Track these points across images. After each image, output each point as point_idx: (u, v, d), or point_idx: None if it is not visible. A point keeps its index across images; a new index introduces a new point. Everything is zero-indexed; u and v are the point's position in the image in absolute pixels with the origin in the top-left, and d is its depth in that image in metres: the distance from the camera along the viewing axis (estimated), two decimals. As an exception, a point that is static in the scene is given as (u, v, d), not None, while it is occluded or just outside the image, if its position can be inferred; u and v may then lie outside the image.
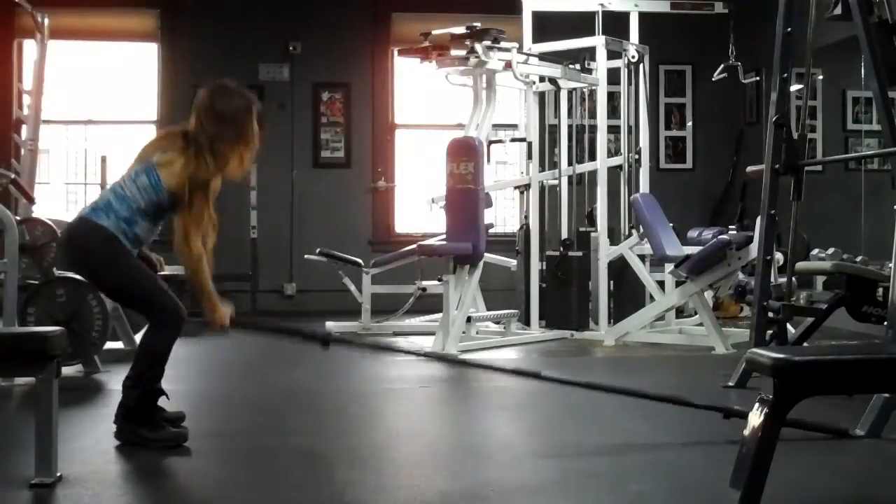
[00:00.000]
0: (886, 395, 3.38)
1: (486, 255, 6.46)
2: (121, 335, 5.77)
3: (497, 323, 7.01)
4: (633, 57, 7.17)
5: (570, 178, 7.37)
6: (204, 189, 3.31)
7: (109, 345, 5.32)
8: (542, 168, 7.37)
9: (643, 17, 7.36)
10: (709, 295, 6.52)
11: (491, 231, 7.13)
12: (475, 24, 6.35)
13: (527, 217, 7.19)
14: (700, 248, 6.49)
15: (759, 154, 5.00)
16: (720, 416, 4.04)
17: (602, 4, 7.22)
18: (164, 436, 3.32)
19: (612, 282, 6.85)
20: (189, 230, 3.29)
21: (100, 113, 8.99)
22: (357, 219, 8.93)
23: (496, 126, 7.23)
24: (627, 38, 7.23)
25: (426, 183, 8.16)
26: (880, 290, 4.25)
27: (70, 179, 9.45)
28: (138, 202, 3.35)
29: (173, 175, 3.31)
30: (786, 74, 4.52)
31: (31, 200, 6.00)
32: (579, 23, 7.30)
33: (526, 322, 7.02)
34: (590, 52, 6.98)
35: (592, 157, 7.28)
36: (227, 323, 3.43)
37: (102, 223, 3.32)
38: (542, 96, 7.36)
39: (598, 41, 6.93)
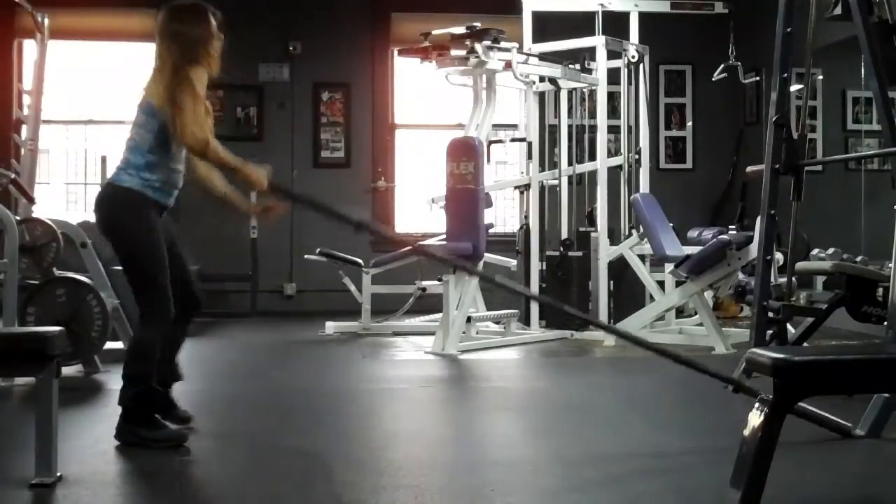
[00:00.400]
0: (886, 395, 3.37)
1: (486, 255, 6.46)
2: (121, 335, 5.76)
3: (497, 323, 7.01)
4: (633, 57, 7.17)
5: (570, 178, 7.37)
6: (188, 84, 3.29)
7: (109, 345, 5.31)
8: (542, 168, 7.37)
9: (643, 17, 7.35)
10: (709, 295, 6.52)
11: (491, 231, 7.13)
12: (475, 24, 6.35)
13: (527, 217, 7.19)
14: (700, 248, 6.49)
15: (759, 154, 5.00)
16: (720, 416, 4.05)
17: (602, 4, 7.22)
18: (162, 435, 3.31)
19: (612, 282, 6.85)
20: (187, 124, 3.23)
21: (100, 113, 8.99)
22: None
23: (496, 126, 7.23)
24: (627, 38, 7.23)
25: (426, 183, 8.16)
26: (880, 290, 4.25)
27: (70, 179, 9.45)
28: (148, 141, 3.33)
29: (159, 94, 3.32)
30: (786, 74, 4.52)
31: (31, 200, 5.99)
32: (579, 23, 7.30)
33: (526, 322, 7.02)
34: (590, 52, 6.98)
35: (592, 157, 7.28)
36: (265, 186, 3.38)
37: (125, 184, 3.32)
38: (542, 96, 7.36)
39: (598, 41, 6.93)
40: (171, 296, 3.37)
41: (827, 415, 3.47)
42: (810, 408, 3.36)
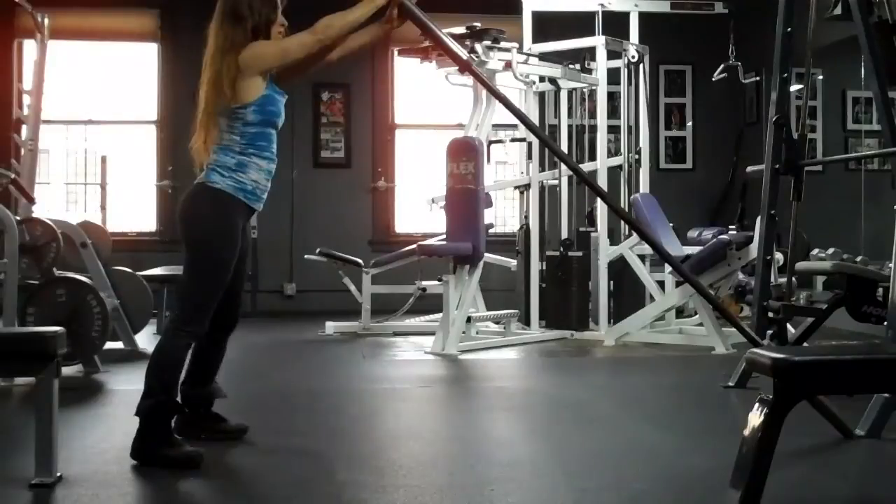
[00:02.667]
0: (886, 395, 3.37)
1: (486, 255, 6.46)
2: (121, 335, 5.77)
3: (497, 323, 7.01)
4: (633, 57, 7.17)
5: (570, 178, 7.37)
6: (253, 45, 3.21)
7: (109, 345, 5.32)
8: (542, 168, 7.37)
9: (643, 17, 7.36)
10: (709, 295, 6.51)
11: (491, 231, 7.13)
12: (475, 24, 6.35)
13: (527, 217, 7.19)
14: (700, 248, 6.49)
15: (759, 154, 5.00)
16: (720, 416, 4.05)
17: (602, 4, 7.22)
18: (176, 455, 3.08)
19: (612, 282, 6.86)
20: (290, 48, 3.21)
21: (100, 113, 8.99)
22: (357, 219, 8.93)
23: (496, 126, 7.23)
24: (627, 38, 7.23)
25: (426, 183, 8.16)
26: (880, 290, 4.25)
27: (70, 179, 9.45)
28: (235, 140, 3.21)
29: (232, 82, 3.18)
30: (786, 74, 4.52)
31: (31, 200, 6.00)
32: (579, 23, 7.30)
33: (526, 322, 7.01)
34: (590, 52, 6.98)
35: (592, 157, 7.28)
36: None
37: (216, 184, 3.18)
38: (542, 96, 7.36)
39: (598, 41, 6.93)
40: (209, 317, 3.20)
41: (834, 413, 3.47)
42: (819, 402, 3.35)
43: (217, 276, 3.21)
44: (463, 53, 3.25)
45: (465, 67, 3.47)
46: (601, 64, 6.91)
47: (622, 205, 7.19)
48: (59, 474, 2.88)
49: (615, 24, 7.28)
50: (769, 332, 4.51)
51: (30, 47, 8.03)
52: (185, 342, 3.22)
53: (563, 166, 7.33)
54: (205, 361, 3.50)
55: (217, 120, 3.22)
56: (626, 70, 7.22)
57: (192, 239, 3.23)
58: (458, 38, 6.29)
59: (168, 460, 3.05)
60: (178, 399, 3.26)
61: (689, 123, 9.42)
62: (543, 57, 6.91)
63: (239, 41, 3.23)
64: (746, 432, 2.37)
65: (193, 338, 3.23)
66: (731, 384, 4.57)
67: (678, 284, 6.64)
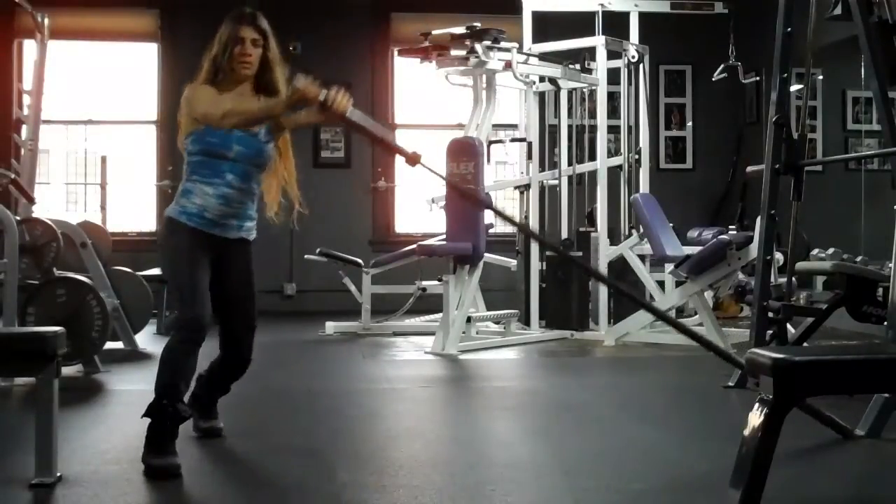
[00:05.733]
0: (886, 395, 3.37)
1: (486, 255, 6.46)
2: (121, 335, 5.77)
3: (497, 323, 7.01)
4: (633, 57, 7.17)
5: (570, 178, 7.37)
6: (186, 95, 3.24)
7: (109, 345, 5.32)
8: (542, 168, 7.37)
9: (643, 17, 7.36)
10: (709, 295, 6.51)
11: (491, 231, 7.13)
12: (475, 24, 6.35)
13: (527, 217, 7.19)
14: (700, 248, 6.49)
15: (759, 154, 4.99)
16: (720, 417, 4.05)
17: (602, 4, 7.22)
18: (157, 463, 3.01)
19: (612, 282, 6.85)
20: (194, 109, 3.19)
21: (100, 113, 8.99)
22: (357, 219, 8.93)
23: (496, 126, 7.24)
24: (627, 38, 7.23)
25: (426, 183, 8.16)
26: (880, 290, 4.25)
27: (70, 179, 9.46)
28: (186, 167, 3.28)
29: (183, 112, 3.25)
30: (786, 74, 4.52)
31: (31, 200, 6.00)
32: (579, 23, 7.30)
33: (526, 322, 7.01)
34: (590, 52, 6.98)
35: (592, 157, 7.28)
36: (310, 89, 3.08)
37: (167, 213, 3.29)
38: (542, 96, 7.36)
39: (598, 41, 6.93)
40: (195, 305, 3.15)
41: (831, 417, 3.47)
42: (815, 409, 3.36)
43: (182, 284, 3.21)
44: (406, 150, 3.23)
45: (412, 162, 3.42)
46: (601, 64, 6.91)
47: (622, 205, 7.20)
48: (59, 474, 2.88)
49: (615, 24, 7.28)
50: (769, 332, 4.51)
51: (30, 47, 8.04)
52: (178, 340, 3.16)
53: (564, 166, 7.35)
54: (208, 392, 3.51)
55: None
56: (626, 70, 7.22)
57: (160, 256, 3.55)
58: (458, 38, 6.31)
59: (147, 468, 3.01)
60: (183, 407, 3.17)
61: (689, 123, 9.42)
62: (543, 57, 6.91)
63: (201, 72, 3.29)
64: (746, 432, 2.36)
65: (189, 336, 3.15)
66: (731, 384, 4.58)
67: (678, 284, 6.65)
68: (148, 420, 3.10)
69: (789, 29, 4.50)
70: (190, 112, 3.22)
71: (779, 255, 5.70)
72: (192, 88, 3.25)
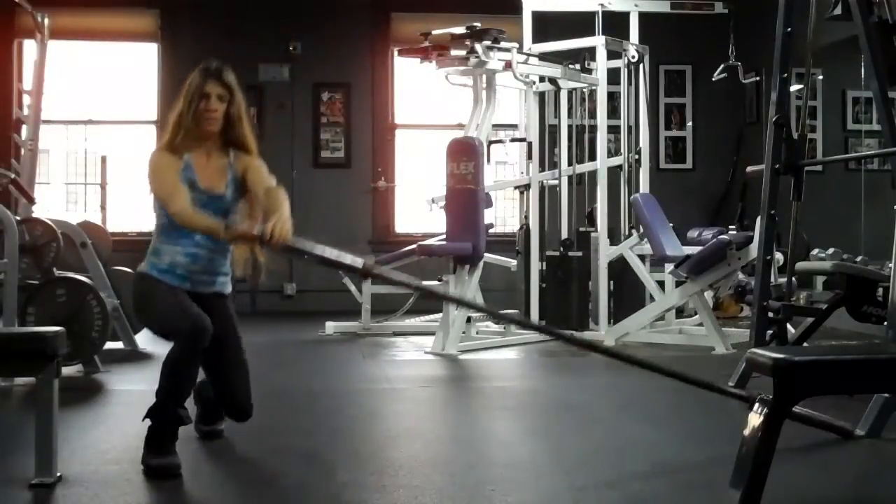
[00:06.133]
0: (886, 395, 3.37)
1: (486, 255, 6.46)
2: (121, 335, 5.78)
3: (497, 323, 7.01)
4: (633, 57, 7.17)
5: (570, 178, 7.37)
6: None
7: (109, 345, 5.32)
8: (542, 168, 7.37)
9: (643, 17, 7.36)
10: (709, 295, 6.52)
11: (491, 231, 7.13)
12: (475, 24, 6.35)
13: (527, 217, 7.19)
14: (700, 248, 6.49)
15: (759, 154, 4.99)
16: (719, 417, 4.04)
17: (602, 4, 7.22)
18: (156, 463, 3.02)
19: (612, 282, 6.85)
20: (166, 200, 3.22)
21: (100, 113, 8.99)
22: (357, 219, 8.94)
23: (496, 126, 7.24)
24: (627, 38, 7.23)
25: (426, 183, 8.16)
26: (880, 290, 4.25)
27: (70, 179, 9.46)
28: (156, 227, 3.33)
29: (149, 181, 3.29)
30: (786, 74, 4.52)
31: (31, 200, 6.00)
32: (579, 23, 7.30)
33: (526, 322, 7.01)
34: (590, 52, 6.98)
35: (592, 157, 7.28)
36: (247, 232, 3.11)
37: (140, 268, 3.32)
38: (542, 96, 7.36)
39: (598, 41, 6.93)
40: (188, 313, 3.14)
41: (826, 417, 3.47)
42: (810, 412, 3.35)
43: (158, 309, 3.23)
44: (356, 262, 3.23)
45: (364, 275, 3.40)
46: (601, 64, 6.91)
47: (622, 205, 7.20)
48: (59, 474, 2.88)
49: (615, 24, 7.28)
50: (769, 332, 4.51)
51: (30, 47, 8.04)
52: (182, 348, 3.12)
53: (564, 166, 7.35)
54: (211, 409, 3.51)
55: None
56: (626, 70, 7.22)
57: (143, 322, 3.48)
58: (458, 38, 6.31)
59: (147, 468, 3.02)
60: (184, 412, 3.17)
61: (689, 123, 9.42)
62: (543, 57, 6.91)
63: (166, 130, 3.30)
64: (746, 432, 2.36)
65: (186, 336, 3.12)
66: (731, 384, 4.57)
67: (678, 284, 6.65)
68: (148, 422, 3.10)
69: (789, 29, 4.50)
70: (149, 186, 3.25)
71: (779, 255, 5.70)
72: (155, 157, 3.27)
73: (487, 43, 6.28)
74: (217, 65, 3.31)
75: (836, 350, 3.44)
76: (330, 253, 3.23)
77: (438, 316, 6.41)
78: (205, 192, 3.26)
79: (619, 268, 6.90)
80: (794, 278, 4.90)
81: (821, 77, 7.89)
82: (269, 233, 3.04)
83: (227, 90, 3.29)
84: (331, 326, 7.05)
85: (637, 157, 7.32)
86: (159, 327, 3.30)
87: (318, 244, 3.23)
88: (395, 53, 8.70)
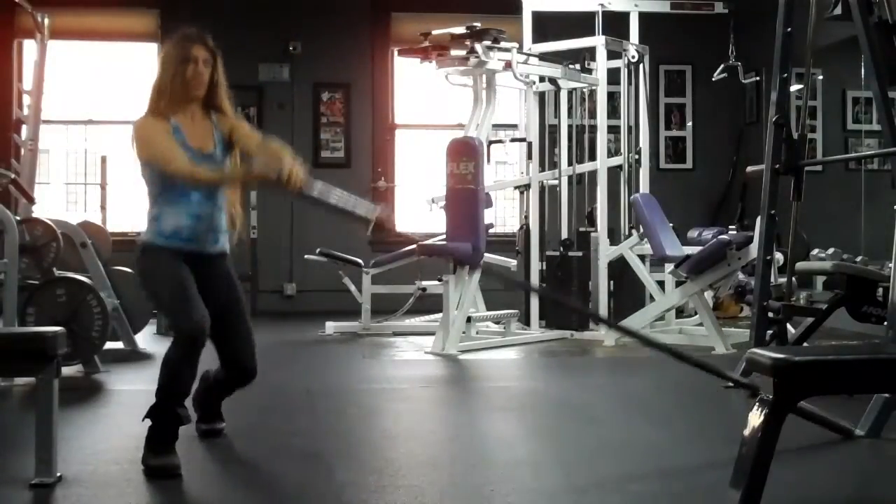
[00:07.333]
0: (886, 395, 3.37)
1: (486, 255, 6.46)
2: (121, 335, 5.77)
3: (497, 323, 7.01)
4: (633, 57, 7.17)
5: (570, 178, 7.37)
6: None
7: (109, 345, 5.32)
8: (542, 168, 7.37)
9: (643, 17, 7.36)
10: (709, 295, 6.52)
11: (491, 231, 7.13)
12: (475, 24, 6.35)
13: (527, 217, 7.19)
14: (700, 248, 6.49)
15: (759, 154, 4.99)
16: (719, 417, 4.05)
17: (602, 4, 7.22)
18: (156, 462, 3.03)
19: (612, 282, 6.85)
20: (160, 159, 3.21)
21: (100, 113, 8.99)
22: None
23: (496, 126, 7.24)
24: (627, 38, 7.23)
25: (426, 183, 8.16)
26: (880, 290, 4.25)
27: (70, 179, 9.46)
28: (151, 193, 3.27)
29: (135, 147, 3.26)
30: (786, 74, 4.52)
31: (31, 200, 6.00)
32: (579, 23, 7.30)
33: (526, 322, 7.01)
34: (590, 52, 6.98)
35: (592, 157, 7.28)
36: (267, 172, 3.08)
37: (142, 237, 3.29)
38: (542, 96, 7.36)
39: (598, 41, 6.93)
40: (191, 312, 3.14)
41: (827, 415, 3.47)
42: (812, 408, 3.36)
43: (169, 293, 3.21)
44: (370, 211, 3.23)
45: (377, 226, 3.40)
46: (601, 64, 6.91)
47: (622, 205, 7.20)
48: (59, 474, 2.88)
49: (615, 24, 7.28)
50: (769, 332, 4.51)
51: (30, 47, 8.03)
52: (182, 347, 3.13)
53: (564, 166, 7.35)
54: (210, 397, 3.50)
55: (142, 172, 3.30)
56: (626, 70, 7.22)
57: (144, 289, 3.41)
58: (458, 38, 6.31)
59: (147, 469, 3.02)
60: (183, 412, 3.16)
61: (689, 123, 9.42)
62: (543, 57, 6.91)
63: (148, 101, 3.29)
64: (746, 432, 2.36)
65: (188, 343, 3.13)
66: (731, 384, 4.57)
67: (678, 284, 6.65)
68: (148, 422, 3.10)
69: (789, 29, 4.50)
70: (139, 154, 3.23)
71: (779, 255, 5.70)
72: (142, 122, 3.26)
73: (487, 43, 6.28)
74: (197, 30, 3.35)
75: (836, 350, 3.44)
76: (345, 201, 3.20)
77: (438, 316, 6.40)
78: (196, 153, 3.26)
79: (619, 268, 6.90)
80: (794, 278, 4.90)
81: (821, 77, 7.88)
82: (287, 174, 3.03)
83: (212, 54, 3.34)
84: (331, 326, 7.05)
85: (637, 157, 7.32)
86: (164, 315, 3.32)
87: (333, 188, 3.19)
88: (395, 53, 8.71)
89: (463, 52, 6.25)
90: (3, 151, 7.31)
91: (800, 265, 5.20)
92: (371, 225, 3.29)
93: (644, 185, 7.23)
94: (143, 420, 3.10)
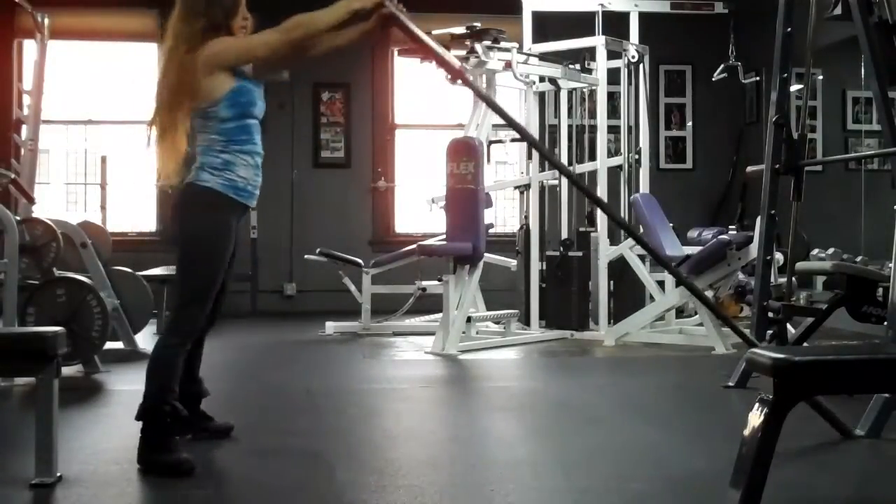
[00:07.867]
0: (886, 395, 3.37)
1: (486, 255, 6.46)
2: (121, 335, 5.77)
3: (497, 323, 7.01)
4: (633, 57, 7.17)
5: (570, 178, 7.36)
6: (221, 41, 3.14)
7: (109, 345, 5.32)
8: (542, 168, 7.37)
9: (643, 17, 7.36)
10: (709, 295, 6.51)
11: (491, 231, 7.13)
12: (475, 24, 6.35)
13: (527, 217, 7.19)
14: (700, 248, 6.49)
15: (759, 154, 4.99)
16: (720, 417, 4.05)
17: (602, 4, 7.22)
18: (166, 460, 3.01)
19: (612, 282, 6.85)
20: (254, 48, 3.15)
21: (100, 113, 8.99)
22: (357, 219, 8.94)
23: (496, 126, 7.23)
24: (627, 38, 7.23)
25: (426, 183, 8.16)
26: (880, 290, 4.25)
27: (70, 179, 9.46)
28: (216, 139, 3.14)
29: (192, 83, 3.12)
30: (786, 74, 4.52)
31: (31, 200, 6.00)
32: (579, 23, 7.30)
33: (526, 322, 7.01)
34: (590, 52, 6.98)
35: (592, 157, 7.28)
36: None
37: (206, 183, 3.10)
38: (542, 96, 7.36)
39: (598, 41, 6.93)
40: (206, 310, 3.14)
41: (834, 415, 3.47)
42: (819, 403, 3.36)
43: (212, 274, 3.15)
44: (454, 62, 3.15)
45: (457, 76, 3.37)
46: (601, 64, 6.91)
47: (622, 205, 7.20)
48: (59, 474, 2.88)
49: (615, 24, 7.28)
50: (769, 332, 4.51)
51: (30, 47, 8.04)
52: (178, 342, 3.15)
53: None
54: (188, 359, 3.38)
55: (183, 120, 3.16)
56: (626, 70, 7.22)
57: (187, 238, 3.15)
58: (458, 38, 6.30)
59: (158, 466, 3.01)
60: (178, 404, 3.15)
61: (689, 123, 9.42)
62: (543, 57, 6.91)
63: (193, 41, 3.14)
64: (746, 432, 2.36)
65: (188, 337, 3.17)
66: (731, 384, 4.57)
67: (678, 285, 6.64)
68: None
69: (789, 29, 4.50)
70: (222, 62, 3.09)
71: (779, 255, 5.70)
72: (211, 43, 3.11)
73: (487, 43, 6.28)
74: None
75: (836, 350, 3.43)
76: (434, 44, 3.22)
77: (438, 316, 6.41)
78: (253, 80, 3.22)
79: (619, 268, 6.90)
80: (794, 278, 4.90)
81: (821, 77, 7.88)
82: None
83: (250, 9, 3.32)
84: (331, 326, 7.05)
85: (637, 157, 7.32)
86: (181, 279, 3.17)
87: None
88: (395, 53, 8.71)
89: (463, 52, 6.25)
90: (3, 151, 7.31)
91: (800, 265, 5.20)
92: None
93: (644, 185, 7.23)
94: (136, 419, 3.09)
